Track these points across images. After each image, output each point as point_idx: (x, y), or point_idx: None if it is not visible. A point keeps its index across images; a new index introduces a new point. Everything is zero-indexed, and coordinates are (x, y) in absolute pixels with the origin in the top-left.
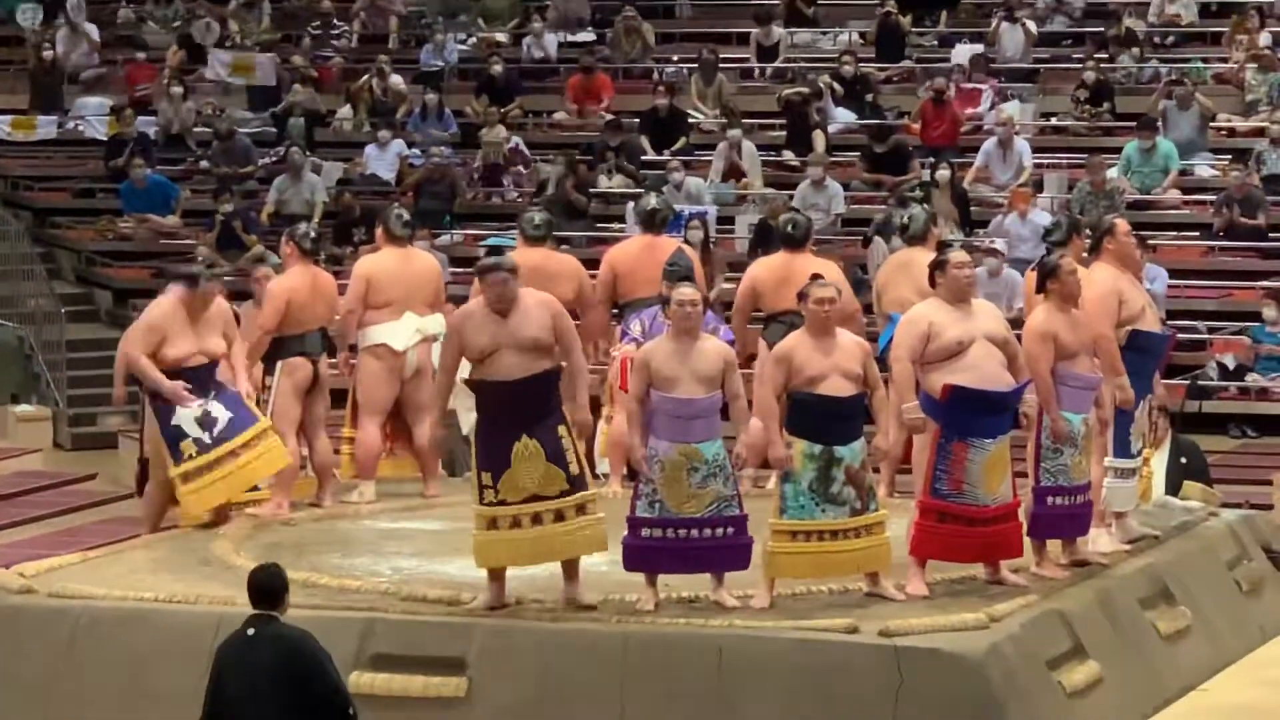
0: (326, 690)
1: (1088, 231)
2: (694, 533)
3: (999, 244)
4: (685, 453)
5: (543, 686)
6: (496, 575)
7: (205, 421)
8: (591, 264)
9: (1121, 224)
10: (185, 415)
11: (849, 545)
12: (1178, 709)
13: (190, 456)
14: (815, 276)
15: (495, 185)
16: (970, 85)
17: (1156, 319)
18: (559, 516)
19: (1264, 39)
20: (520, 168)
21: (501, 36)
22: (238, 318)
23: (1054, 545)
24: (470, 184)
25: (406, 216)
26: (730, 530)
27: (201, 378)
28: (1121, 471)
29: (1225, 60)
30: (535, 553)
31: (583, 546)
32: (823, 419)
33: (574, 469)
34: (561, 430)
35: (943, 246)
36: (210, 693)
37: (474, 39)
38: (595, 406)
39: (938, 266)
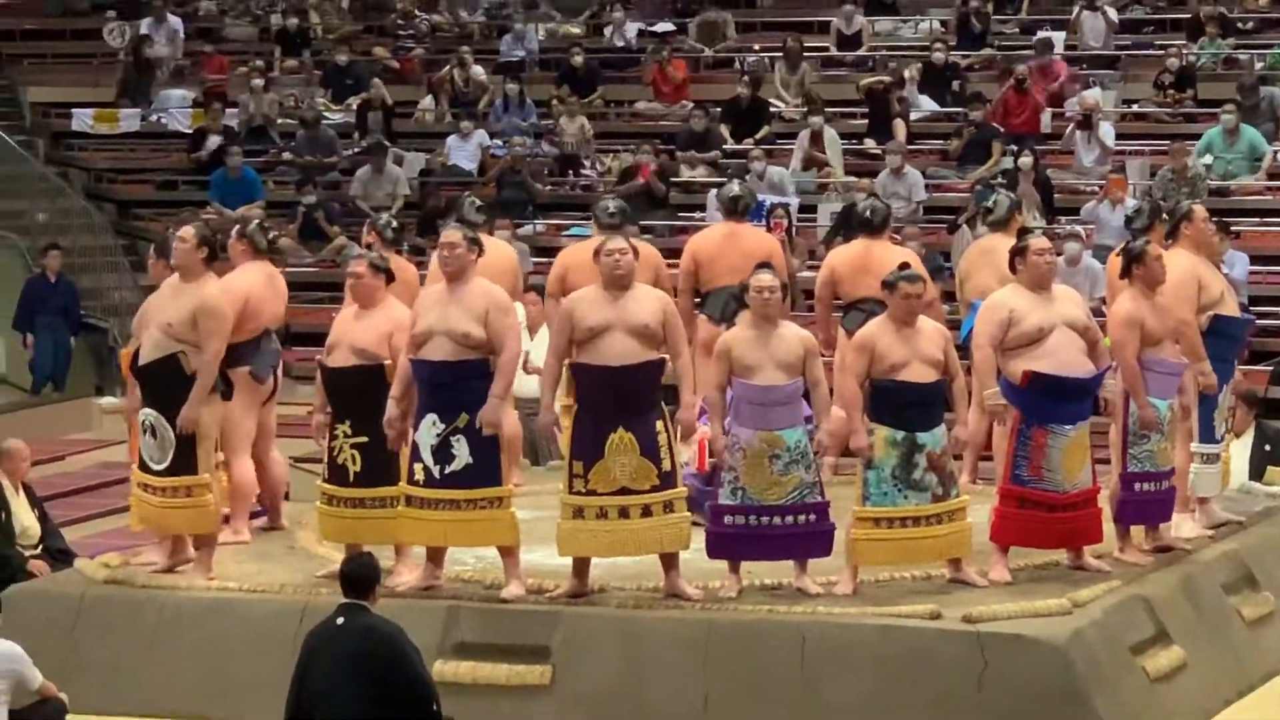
0: (412, 683)
1: (1166, 217)
2: (776, 520)
3: (1080, 230)
4: (767, 440)
5: (626, 674)
6: (580, 564)
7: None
8: (673, 254)
9: (1199, 210)
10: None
11: (932, 531)
12: (1262, 694)
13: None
14: (904, 266)
15: (573, 175)
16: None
17: (1236, 304)
18: (646, 512)
19: None
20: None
21: (576, 29)
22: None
23: (1136, 531)
24: (549, 174)
25: (480, 204)
26: (813, 517)
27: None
28: (1206, 457)
29: None
30: (618, 545)
31: (666, 544)
32: (905, 406)
33: (666, 465)
34: (659, 425)
35: (1023, 233)
36: (297, 679)
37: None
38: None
39: (1018, 253)
